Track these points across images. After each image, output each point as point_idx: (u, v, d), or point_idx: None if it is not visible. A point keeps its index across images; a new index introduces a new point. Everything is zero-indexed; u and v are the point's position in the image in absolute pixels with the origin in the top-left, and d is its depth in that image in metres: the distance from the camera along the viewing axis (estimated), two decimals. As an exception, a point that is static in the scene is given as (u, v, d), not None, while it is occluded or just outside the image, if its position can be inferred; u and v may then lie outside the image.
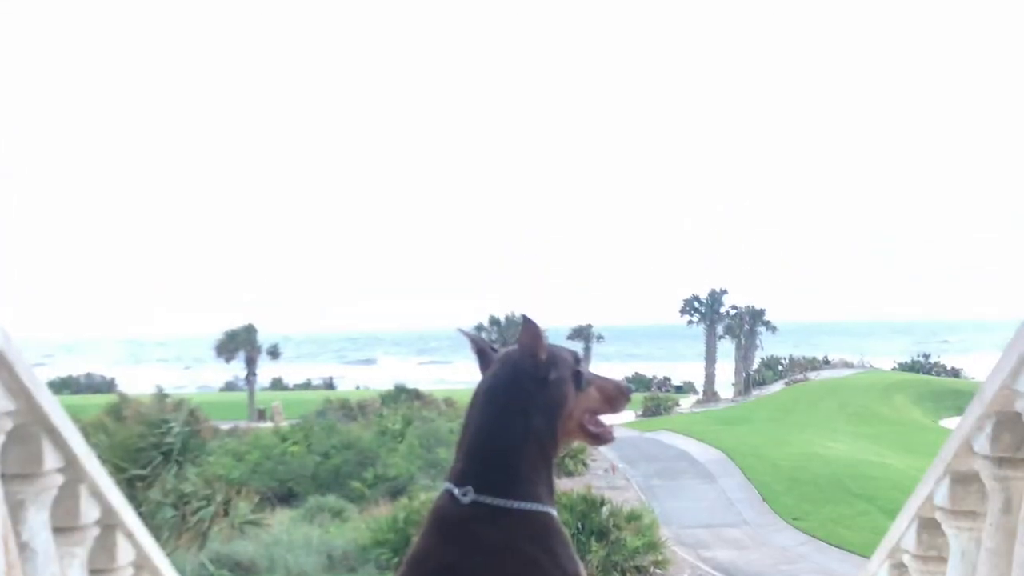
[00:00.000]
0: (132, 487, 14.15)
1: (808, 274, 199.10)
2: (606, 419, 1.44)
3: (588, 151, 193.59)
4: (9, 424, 1.94)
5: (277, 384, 55.98)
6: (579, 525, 14.45)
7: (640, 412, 39.42)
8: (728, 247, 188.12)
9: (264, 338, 41.71)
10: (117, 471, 13.99)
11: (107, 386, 49.60)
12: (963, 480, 2.36)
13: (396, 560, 13.55)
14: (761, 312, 50.12)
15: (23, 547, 2.04)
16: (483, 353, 1.41)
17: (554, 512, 1.33)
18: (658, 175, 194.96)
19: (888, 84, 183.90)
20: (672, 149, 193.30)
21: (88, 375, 56.01)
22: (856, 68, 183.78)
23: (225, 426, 27.96)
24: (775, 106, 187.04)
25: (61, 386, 47.80)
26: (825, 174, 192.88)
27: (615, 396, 1.43)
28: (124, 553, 2.69)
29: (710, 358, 49.38)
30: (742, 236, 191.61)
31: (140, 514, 3.02)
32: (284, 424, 29.12)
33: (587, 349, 48.20)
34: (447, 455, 19.76)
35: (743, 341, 49.70)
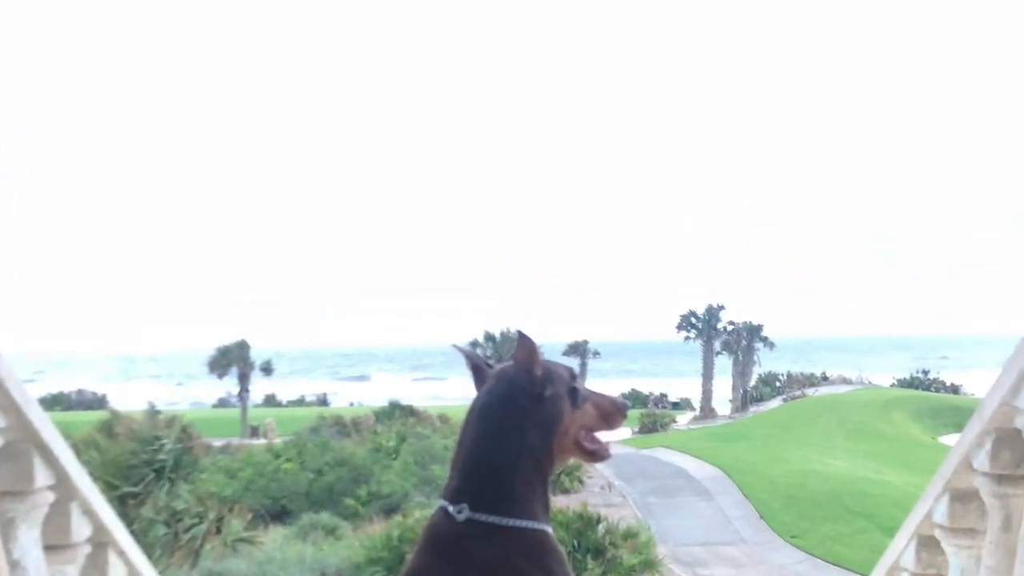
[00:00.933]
0: (124, 504, 14.04)
1: (808, 274, 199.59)
2: (602, 436, 1.43)
3: (588, 152, 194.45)
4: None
5: (270, 400, 55.65)
6: (575, 543, 14.35)
7: (637, 429, 39.26)
8: (728, 247, 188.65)
9: (257, 354, 41.55)
10: (109, 488, 13.87)
11: (99, 402, 49.25)
12: (962, 497, 2.35)
13: (390, 579, 13.40)
14: (759, 328, 50.15)
15: (14, 565, 2.02)
16: (478, 369, 1.41)
17: (550, 530, 1.32)
18: (658, 175, 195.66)
19: (888, 84, 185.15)
20: (672, 149, 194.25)
21: (79, 391, 55.64)
22: (856, 68, 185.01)
23: (218, 443, 27.75)
24: (775, 106, 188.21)
25: (52, 402, 47.47)
26: (825, 174, 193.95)
27: (611, 413, 1.42)
28: (116, 571, 2.66)
29: (707, 374, 49.30)
30: (742, 236, 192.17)
31: (132, 532, 3.00)
32: (277, 441, 28.93)
33: (583, 365, 48.08)
34: (442, 472, 19.68)
35: (740, 357, 49.67)
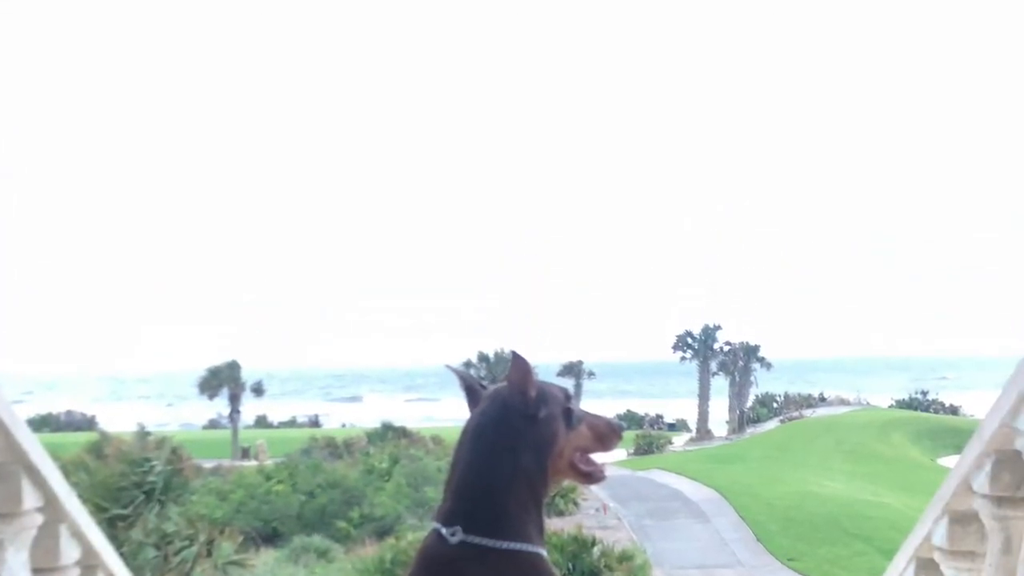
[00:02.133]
0: (113, 527, 13.85)
1: (809, 273, 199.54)
2: (597, 457, 1.42)
3: (584, 154, 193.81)
4: (-15, 462, 1.89)
5: (261, 422, 55.22)
6: (570, 566, 14.19)
7: (632, 450, 39.04)
8: (728, 246, 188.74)
9: (248, 375, 41.24)
10: (98, 511, 13.69)
11: (87, 424, 48.86)
12: (962, 520, 2.33)
13: (383, 603, 13.20)
14: (756, 348, 50.14)
15: (-3, 590, 1.98)
16: (472, 390, 1.40)
17: (544, 552, 1.30)
18: (657, 175, 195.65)
19: (888, 84, 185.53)
20: (672, 149, 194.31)
21: (68, 412, 55.12)
22: (856, 68, 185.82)
23: (208, 464, 27.48)
24: (775, 106, 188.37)
25: (41, 424, 47.00)
26: (825, 174, 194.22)
27: (606, 434, 1.41)
28: (102, 596, 2.61)
29: (703, 395, 49.17)
30: (742, 235, 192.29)
31: (121, 554, 2.96)
32: (268, 462, 28.65)
33: (578, 386, 47.92)
34: (435, 494, 19.47)
35: (737, 378, 49.58)
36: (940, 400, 57.62)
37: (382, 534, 19.25)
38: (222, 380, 39.73)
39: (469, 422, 1.35)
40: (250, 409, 47.74)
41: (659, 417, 54.23)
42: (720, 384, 50.01)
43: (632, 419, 50.57)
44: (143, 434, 23.72)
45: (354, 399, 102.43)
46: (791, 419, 47.97)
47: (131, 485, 15.27)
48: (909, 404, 56.39)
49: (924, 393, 59.18)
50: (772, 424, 47.80)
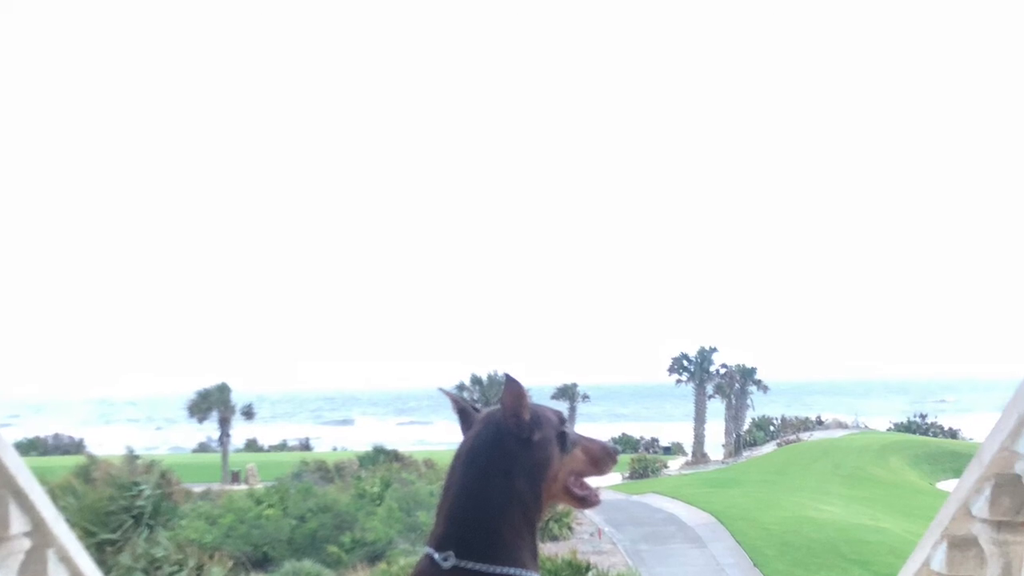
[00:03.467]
0: (102, 552, 13.66)
1: (808, 274, 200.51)
2: (592, 481, 1.41)
3: (584, 157, 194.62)
4: (-31, 486, 1.86)
5: (251, 445, 54.73)
6: (565, 593, 14.00)
7: (627, 474, 38.78)
8: (727, 248, 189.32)
9: (238, 398, 40.89)
10: (86, 535, 13.51)
11: (76, 447, 48.35)
12: (961, 544, 2.31)
13: (374, 632, 12.98)
14: (752, 371, 50.03)
15: (-20, 617, 1.94)
16: (465, 413, 1.39)
17: (538, 579, 1.28)
18: (656, 178, 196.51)
19: (887, 84, 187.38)
20: (670, 152, 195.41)
21: (56, 436, 54.53)
22: (856, 71, 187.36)
23: (198, 489, 27.17)
24: (775, 107, 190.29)
25: (28, 447, 46.59)
26: (824, 175, 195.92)
27: (601, 458, 1.41)
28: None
29: (699, 418, 48.97)
30: (741, 238, 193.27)
31: (106, 582, 2.90)
32: (259, 486, 28.34)
33: (572, 409, 47.71)
34: (427, 519, 19.31)
35: (733, 401, 49.41)
36: (939, 423, 57.28)
37: (374, 559, 19.04)
38: (212, 403, 39.35)
39: (462, 446, 1.34)
40: (240, 432, 47.28)
41: (654, 440, 53.96)
42: (716, 407, 49.82)
43: (627, 442, 50.31)
44: (132, 458, 23.46)
45: (345, 422, 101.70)
46: (788, 442, 47.73)
47: (120, 509, 15.09)
48: (907, 427, 56.13)
49: (923, 416, 58.88)
50: (769, 448, 47.55)
